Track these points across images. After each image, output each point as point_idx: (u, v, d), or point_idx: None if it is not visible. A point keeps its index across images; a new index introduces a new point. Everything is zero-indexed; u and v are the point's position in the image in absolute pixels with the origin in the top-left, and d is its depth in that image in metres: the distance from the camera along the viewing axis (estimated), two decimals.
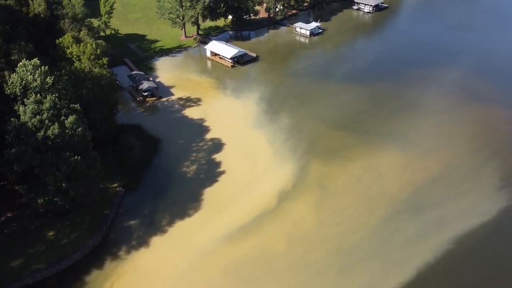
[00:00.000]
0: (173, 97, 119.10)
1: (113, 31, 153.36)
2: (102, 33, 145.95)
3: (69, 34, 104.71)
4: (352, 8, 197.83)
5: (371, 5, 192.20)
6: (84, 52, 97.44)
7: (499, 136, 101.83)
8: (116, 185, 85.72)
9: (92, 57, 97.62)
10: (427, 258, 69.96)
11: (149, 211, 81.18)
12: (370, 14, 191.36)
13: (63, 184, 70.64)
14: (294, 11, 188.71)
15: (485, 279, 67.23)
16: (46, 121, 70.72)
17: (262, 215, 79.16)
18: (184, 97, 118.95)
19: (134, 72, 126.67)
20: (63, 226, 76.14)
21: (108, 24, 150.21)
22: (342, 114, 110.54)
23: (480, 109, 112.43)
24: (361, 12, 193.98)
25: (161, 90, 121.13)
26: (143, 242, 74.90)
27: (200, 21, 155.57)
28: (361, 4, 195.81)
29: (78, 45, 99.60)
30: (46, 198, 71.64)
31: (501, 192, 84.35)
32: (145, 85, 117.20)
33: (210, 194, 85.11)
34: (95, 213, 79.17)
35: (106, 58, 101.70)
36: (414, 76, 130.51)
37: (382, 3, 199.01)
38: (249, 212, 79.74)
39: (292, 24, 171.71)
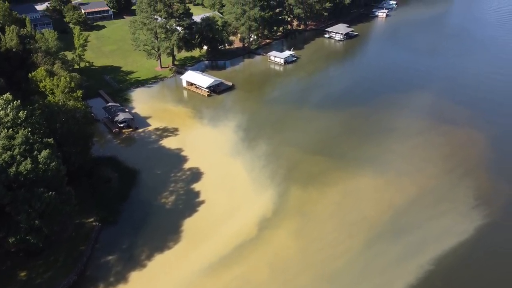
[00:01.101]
0: (149, 128, 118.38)
1: (87, 64, 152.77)
2: (76, 66, 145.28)
3: (42, 68, 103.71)
4: (324, 37, 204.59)
5: (341, 33, 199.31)
6: (57, 85, 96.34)
7: (469, 156, 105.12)
8: (92, 219, 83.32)
9: (66, 90, 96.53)
10: (409, 281, 70.23)
11: (128, 245, 78.93)
12: (341, 42, 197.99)
13: (36, 222, 68.07)
14: (268, 40, 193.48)
15: None
16: (18, 156, 68.79)
17: (243, 245, 78.14)
18: (161, 127, 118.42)
19: (109, 104, 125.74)
20: (36, 265, 72.95)
21: (82, 57, 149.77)
22: (319, 139, 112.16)
23: (450, 131, 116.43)
24: (333, 40, 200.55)
25: (137, 121, 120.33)
26: (121, 278, 72.37)
27: (175, 52, 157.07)
28: (332, 33, 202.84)
29: (51, 78, 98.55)
30: (18, 237, 68.76)
31: (476, 210, 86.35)
32: (121, 116, 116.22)
33: (189, 225, 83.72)
34: (70, 250, 76.35)
35: (81, 91, 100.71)
36: (386, 100, 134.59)
37: (352, 31, 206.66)
38: (230, 242, 78.64)
39: (267, 53, 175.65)
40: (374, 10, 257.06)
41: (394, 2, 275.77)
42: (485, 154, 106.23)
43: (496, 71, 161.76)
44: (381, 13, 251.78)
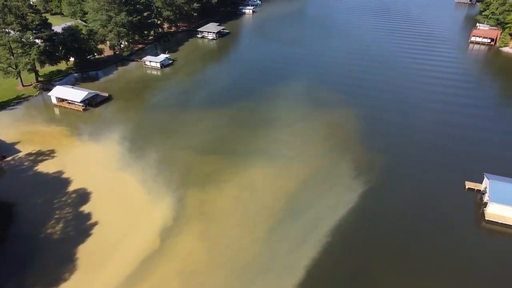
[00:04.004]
0: (20, 154, 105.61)
1: None
2: None
3: None
4: (197, 37, 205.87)
5: (214, 32, 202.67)
6: None
7: (345, 133, 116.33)
8: None
9: None
10: (312, 256, 75.15)
11: None
12: (214, 41, 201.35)
13: None
14: (140, 45, 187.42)
15: (365, 258, 74.98)
16: None
17: (147, 259, 74.89)
18: (33, 152, 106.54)
19: None
20: None
21: None
22: (208, 139, 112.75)
23: (326, 112, 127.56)
24: (206, 40, 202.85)
25: (3, 149, 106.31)
26: None
27: (38, 67, 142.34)
28: (204, 32, 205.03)
29: None
30: None
31: (357, 180, 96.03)
32: None
33: (85, 251, 77.19)
34: None
35: None
36: (265, 92, 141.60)
37: (223, 29, 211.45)
38: (133, 259, 74.71)
39: (141, 58, 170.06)
40: (240, 7, 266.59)
41: None
42: (357, 130, 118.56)
43: (353, 54, 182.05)
44: (248, 10, 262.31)
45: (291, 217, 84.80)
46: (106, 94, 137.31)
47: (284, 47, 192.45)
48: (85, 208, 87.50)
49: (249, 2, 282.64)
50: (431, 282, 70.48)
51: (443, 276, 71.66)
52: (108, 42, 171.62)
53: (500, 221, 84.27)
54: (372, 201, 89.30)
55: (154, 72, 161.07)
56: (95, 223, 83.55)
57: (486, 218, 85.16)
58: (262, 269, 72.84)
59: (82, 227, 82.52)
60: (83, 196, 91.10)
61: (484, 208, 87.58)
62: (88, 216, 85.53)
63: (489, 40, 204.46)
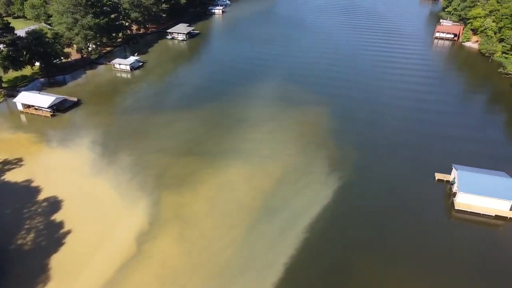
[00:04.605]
0: None
1: None
2: None
3: None
4: (167, 38, 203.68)
5: (184, 33, 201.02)
6: None
7: (318, 130, 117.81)
8: None
9: None
10: (290, 253, 75.77)
11: None
12: (184, 42, 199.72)
13: None
14: (109, 48, 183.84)
15: (342, 253, 76.19)
16: None
17: (124, 265, 73.58)
18: None
19: None
20: None
21: None
22: (182, 140, 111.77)
23: (298, 111, 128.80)
24: (176, 41, 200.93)
25: None
26: None
27: (1, 73, 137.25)
28: (174, 33, 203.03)
29: None
30: None
31: (332, 176, 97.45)
32: None
33: (58, 261, 75.04)
34: None
35: None
36: (238, 92, 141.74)
37: (193, 30, 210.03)
38: (110, 266, 73.25)
39: (110, 61, 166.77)
40: (210, 7, 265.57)
41: None
42: (329, 127, 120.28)
43: (322, 52, 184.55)
44: (217, 10, 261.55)
45: (268, 215, 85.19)
46: (75, 99, 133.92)
47: (255, 47, 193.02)
48: (57, 217, 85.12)
49: (218, 2, 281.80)
50: (406, 272, 72.36)
51: (418, 265, 73.72)
52: (75, 46, 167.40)
53: (468, 210, 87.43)
54: (347, 196, 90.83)
55: (124, 75, 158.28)
56: (68, 232, 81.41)
57: (456, 208, 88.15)
58: (241, 268, 72.89)
59: (54, 236, 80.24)
60: (54, 204, 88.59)
61: (454, 198, 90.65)
62: (60, 224, 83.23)
63: (452, 36, 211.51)
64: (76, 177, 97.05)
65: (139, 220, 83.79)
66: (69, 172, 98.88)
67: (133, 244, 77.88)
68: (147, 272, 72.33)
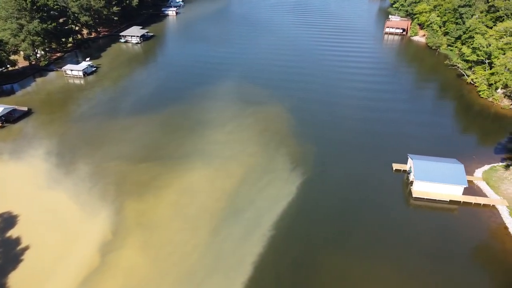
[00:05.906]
0: None
1: None
2: None
3: None
4: (120, 42, 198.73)
5: (137, 36, 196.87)
6: None
7: (278, 129, 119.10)
8: None
9: None
10: (257, 251, 76.23)
11: None
12: (138, 45, 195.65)
13: None
14: (59, 54, 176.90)
15: (308, 247, 77.49)
16: None
17: (88, 278, 71.16)
18: None
19: None
20: None
21: None
22: (142, 146, 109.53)
23: (257, 109, 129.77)
24: (130, 44, 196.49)
25: None
26: None
27: None
28: (127, 37, 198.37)
29: None
30: None
31: (294, 172, 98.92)
32: None
33: (16, 279, 71.48)
34: None
35: None
36: (196, 94, 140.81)
37: (147, 32, 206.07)
38: (72, 281, 70.60)
39: (61, 67, 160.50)
40: (163, 9, 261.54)
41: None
42: (288, 123, 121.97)
43: (277, 51, 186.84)
44: (171, 12, 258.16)
45: (233, 216, 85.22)
46: (25, 108, 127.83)
47: (211, 47, 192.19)
48: (13, 233, 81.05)
49: (171, 3, 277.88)
50: (369, 261, 74.69)
51: (380, 254, 76.31)
52: (22, 53, 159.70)
53: (425, 197, 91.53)
54: (310, 191, 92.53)
55: (77, 81, 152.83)
56: (26, 248, 77.73)
57: (414, 196, 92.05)
58: (209, 271, 72.51)
59: (11, 254, 76.37)
60: (9, 220, 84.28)
61: (411, 187, 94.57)
62: (17, 241, 79.32)
63: (401, 31, 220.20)
64: (31, 190, 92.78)
65: (101, 230, 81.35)
66: (23, 185, 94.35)
67: (96, 256, 75.53)
68: (112, 283, 70.38)
